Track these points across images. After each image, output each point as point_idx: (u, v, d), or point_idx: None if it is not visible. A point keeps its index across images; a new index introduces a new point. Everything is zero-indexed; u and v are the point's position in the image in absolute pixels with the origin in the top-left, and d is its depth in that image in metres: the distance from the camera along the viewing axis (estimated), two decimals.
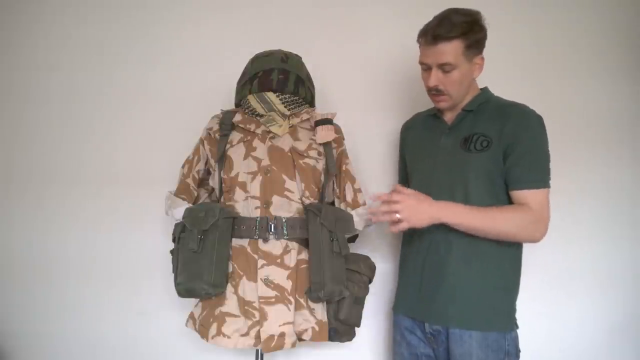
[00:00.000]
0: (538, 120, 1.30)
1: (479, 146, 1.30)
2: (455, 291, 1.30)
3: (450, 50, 1.26)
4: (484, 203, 1.27)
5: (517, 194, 1.27)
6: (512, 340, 1.30)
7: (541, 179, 1.27)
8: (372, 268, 1.51)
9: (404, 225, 1.23)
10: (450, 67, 1.28)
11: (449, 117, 1.42)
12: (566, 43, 1.89)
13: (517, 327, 1.33)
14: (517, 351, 1.32)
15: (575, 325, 1.84)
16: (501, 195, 1.30)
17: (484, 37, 1.31)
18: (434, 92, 1.34)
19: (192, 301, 1.53)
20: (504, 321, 1.30)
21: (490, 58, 1.70)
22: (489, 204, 1.27)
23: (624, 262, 1.85)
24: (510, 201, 1.30)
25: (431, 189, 1.34)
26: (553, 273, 1.84)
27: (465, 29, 1.25)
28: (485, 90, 1.41)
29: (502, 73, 1.83)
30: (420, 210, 1.23)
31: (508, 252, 1.31)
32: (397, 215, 1.22)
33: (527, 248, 1.80)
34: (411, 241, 1.45)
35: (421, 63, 1.34)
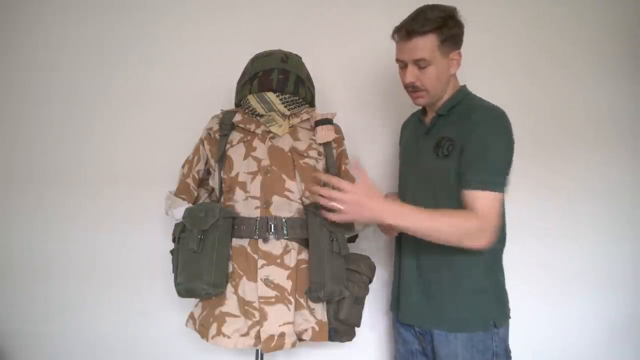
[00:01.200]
0: (495, 121, 1.24)
1: (446, 151, 1.27)
2: (430, 295, 1.31)
3: (425, 45, 1.23)
4: (451, 208, 1.24)
5: (465, 195, 1.21)
6: (501, 340, 1.29)
7: (489, 181, 1.19)
8: (372, 268, 1.51)
9: (340, 217, 1.18)
10: (425, 62, 1.24)
11: (428, 119, 1.41)
12: (566, 43, 1.89)
13: (497, 326, 1.28)
14: (507, 352, 1.31)
15: (575, 325, 1.84)
16: None
17: (461, 33, 1.29)
18: (410, 89, 1.32)
19: (192, 301, 1.53)
20: (484, 322, 1.27)
21: (490, 58, 1.70)
22: (456, 208, 1.24)
23: (624, 262, 1.85)
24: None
25: (406, 193, 1.36)
26: (553, 272, 1.84)
27: (440, 23, 1.23)
28: (460, 91, 1.35)
29: (501, 73, 1.83)
30: (364, 207, 1.16)
31: (480, 254, 1.26)
32: (337, 205, 1.16)
33: (527, 248, 1.81)
34: (397, 243, 1.47)
35: (397, 60, 1.32)
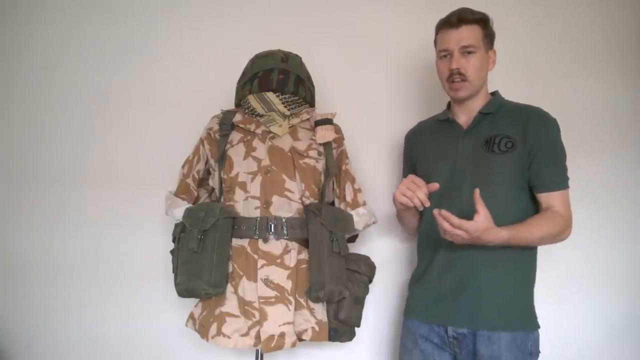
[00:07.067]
0: (555, 123, 1.34)
1: (503, 147, 1.32)
2: (483, 293, 1.29)
3: (472, 33, 1.32)
4: (506, 202, 1.29)
5: (544, 196, 1.31)
6: (535, 340, 1.30)
7: (563, 180, 1.32)
8: (372, 268, 1.51)
9: (454, 240, 1.22)
10: (473, 48, 1.32)
11: (463, 120, 1.40)
12: (566, 44, 1.89)
13: (539, 326, 1.32)
14: (538, 352, 1.32)
15: (575, 325, 1.84)
16: (523, 195, 1.32)
17: (494, 37, 1.40)
18: (455, 79, 1.33)
19: (192, 301, 1.53)
20: (530, 320, 1.31)
21: None
22: (511, 203, 1.30)
23: (624, 262, 1.85)
24: (531, 201, 1.33)
25: (452, 192, 1.33)
26: (553, 273, 1.84)
27: (484, 19, 1.35)
28: (498, 93, 1.44)
29: (502, 73, 1.83)
30: (476, 239, 1.20)
31: (527, 252, 1.33)
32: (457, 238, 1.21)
33: None
34: (430, 246, 1.40)
35: (442, 50, 1.37)
